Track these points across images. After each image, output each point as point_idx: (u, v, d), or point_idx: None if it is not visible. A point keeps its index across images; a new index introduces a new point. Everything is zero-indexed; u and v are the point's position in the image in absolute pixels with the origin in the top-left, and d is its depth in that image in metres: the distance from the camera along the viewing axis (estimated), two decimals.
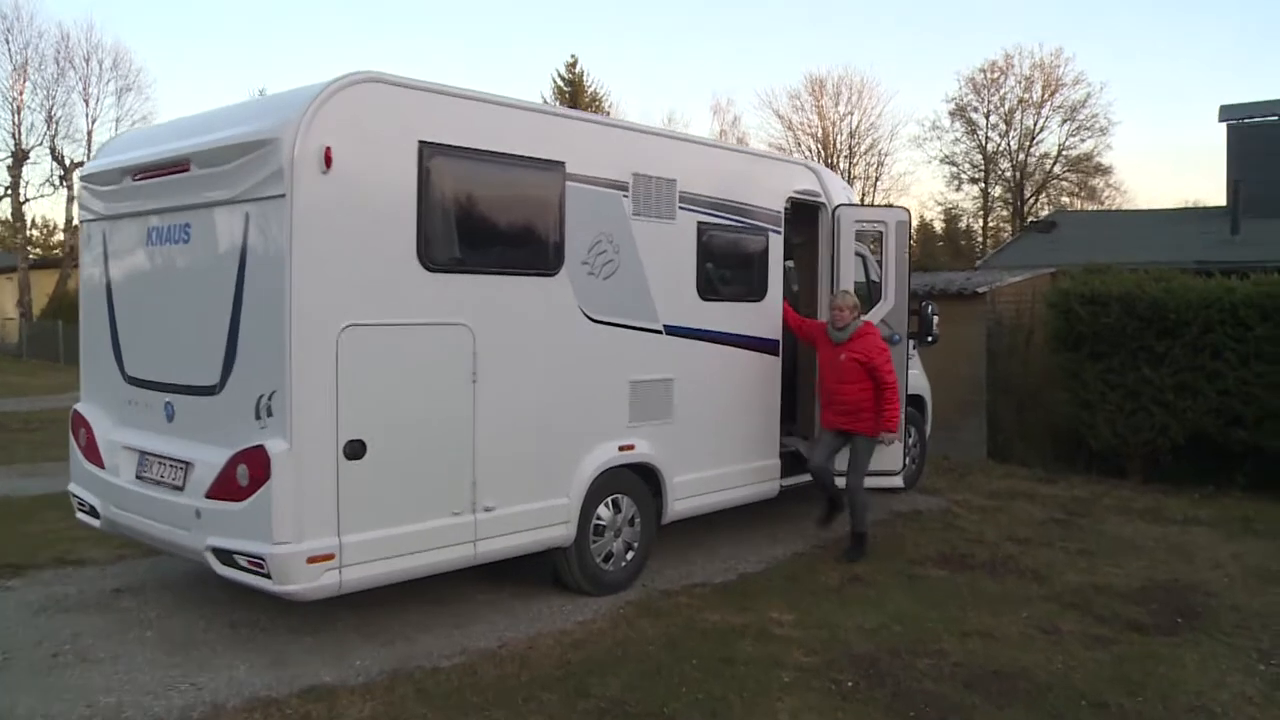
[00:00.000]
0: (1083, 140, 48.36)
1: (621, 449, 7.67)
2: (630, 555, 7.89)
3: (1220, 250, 16.89)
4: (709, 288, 8.37)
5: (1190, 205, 20.60)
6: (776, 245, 9.03)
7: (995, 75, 49.31)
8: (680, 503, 8.21)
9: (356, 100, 6.08)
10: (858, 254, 9.89)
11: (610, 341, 7.54)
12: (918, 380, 11.30)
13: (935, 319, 10.62)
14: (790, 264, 10.32)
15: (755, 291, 8.90)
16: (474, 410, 6.66)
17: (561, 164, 7.13)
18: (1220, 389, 12.21)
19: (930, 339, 10.67)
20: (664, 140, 8.06)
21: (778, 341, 9.09)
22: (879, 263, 10.00)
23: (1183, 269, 13.62)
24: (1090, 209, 36.27)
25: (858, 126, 49.98)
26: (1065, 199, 47.83)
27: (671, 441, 8.06)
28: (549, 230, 7.10)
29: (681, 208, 8.07)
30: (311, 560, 5.93)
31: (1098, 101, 49.56)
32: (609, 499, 7.67)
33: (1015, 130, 49.21)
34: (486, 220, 6.80)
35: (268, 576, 5.91)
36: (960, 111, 50.19)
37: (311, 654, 6.39)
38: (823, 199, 9.58)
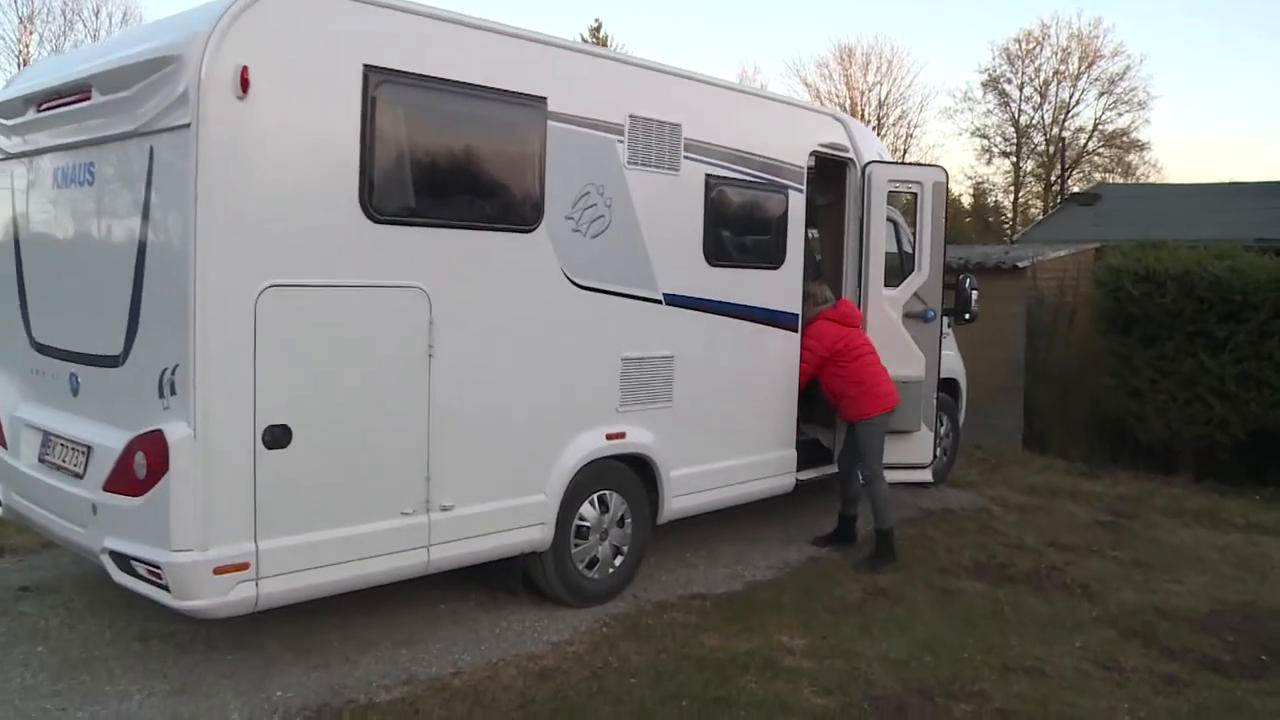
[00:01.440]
0: (1120, 115, 46.86)
1: (610, 438, 6.56)
2: (619, 561, 6.80)
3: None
4: (718, 251, 7.23)
5: (1241, 181, 19.16)
6: (798, 205, 7.86)
7: (1031, 46, 47.76)
8: (679, 500, 7.10)
9: (283, 10, 4.96)
10: (889, 219, 8.72)
11: (598, 311, 6.42)
12: (952, 363, 10.12)
13: (974, 294, 9.43)
14: (814, 232, 9.20)
15: (772, 257, 7.74)
16: (429, 390, 5.57)
17: (543, 100, 5.99)
18: None
19: (968, 316, 9.49)
20: (667, 78, 6.89)
21: (797, 315, 7.94)
22: (912, 230, 8.83)
23: (1243, 247, 12.38)
24: (1134, 183, 34.82)
25: (887, 96, 48.44)
26: (1100, 175, 46.32)
27: (670, 429, 6.95)
28: (526, 178, 5.98)
29: (686, 157, 6.92)
30: (220, 570, 4.86)
31: (1137, 74, 47.89)
32: (594, 496, 6.58)
33: (1050, 103, 47.69)
34: (448, 163, 5.67)
35: (166, 588, 4.86)
36: (993, 83, 48.66)
37: (226, 678, 5.34)
38: (851, 155, 8.40)
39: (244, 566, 4.92)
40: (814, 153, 8.05)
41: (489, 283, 5.83)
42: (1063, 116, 47.43)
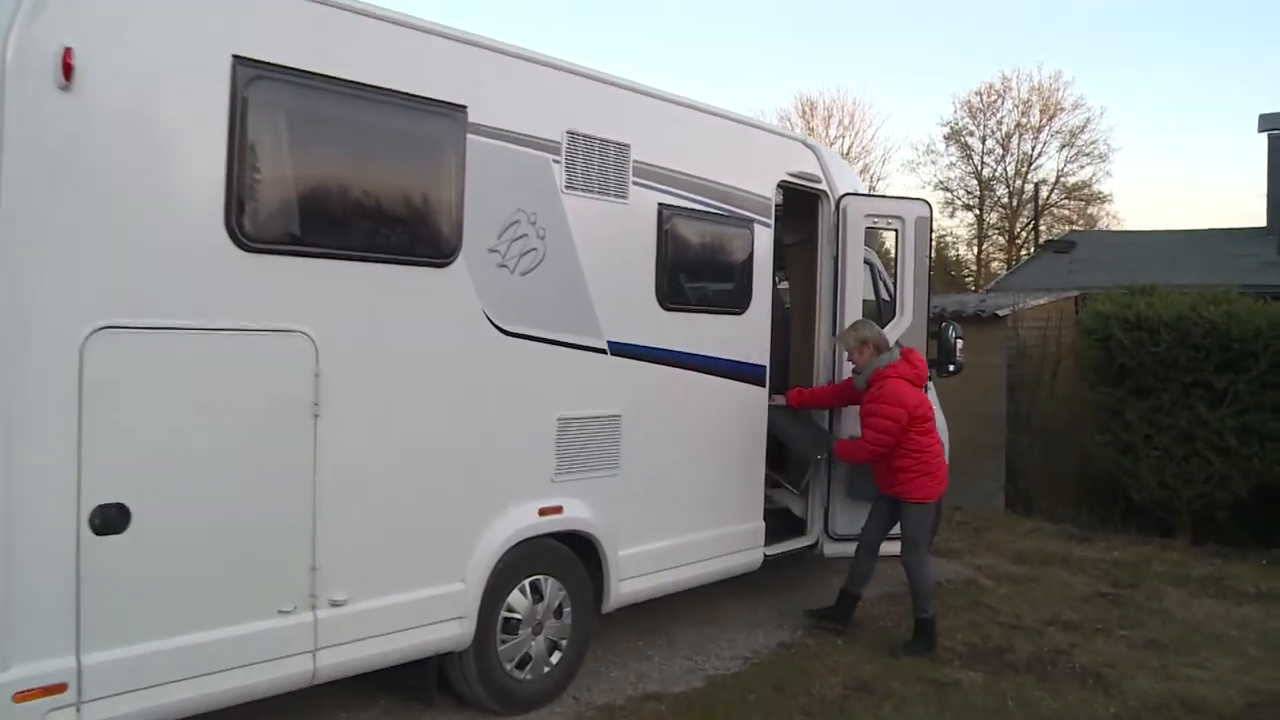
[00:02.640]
0: (1081, 167, 46.66)
1: (544, 513, 5.51)
2: (556, 658, 5.73)
3: (1267, 273, 14.88)
4: (674, 294, 6.25)
5: (1218, 227, 18.48)
6: (764, 241, 6.90)
7: (992, 98, 47.45)
8: (629, 584, 6.05)
9: None
10: (865, 261, 7.79)
11: (529, 362, 5.41)
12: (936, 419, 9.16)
13: (959, 343, 8.48)
14: (781, 278, 8.26)
15: (736, 301, 6.77)
16: (315, 459, 4.51)
17: (462, 109, 5.01)
18: None
19: (952, 368, 8.51)
20: (613, 90, 5.92)
21: (764, 368, 6.95)
22: (892, 272, 7.90)
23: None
24: (1109, 229, 34.38)
25: (849, 150, 47.96)
26: (1063, 227, 46.02)
27: (617, 501, 5.91)
28: (440, 201, 4.98)
29: (636, 183, 5.95)
30: (23, 696, 3.76)
31: (1097, 127, 47.80)
32: (526, 582, 5.52)
33: (1012, 155, 47.40)
34: (342, 180, 4.65)
35: None
36: (955, 135, 48.26)
37: None
38: (824, 186, 7.46)
39: (60, 689, 3.83)
40: (782, 183, 7.12)
41: (393, 327, 4.80)
42: (1025, 169, 47.17)
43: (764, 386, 6.96)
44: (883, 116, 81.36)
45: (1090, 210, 47.59)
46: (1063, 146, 46.91)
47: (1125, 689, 6.39)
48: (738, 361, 6.72)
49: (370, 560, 4.75)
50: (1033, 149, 47.34)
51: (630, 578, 6.03)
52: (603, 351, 5.77)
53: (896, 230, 7.66)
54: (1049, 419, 12.46)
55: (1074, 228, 45.77)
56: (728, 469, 6.75)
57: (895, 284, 7.74)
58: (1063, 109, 46.61)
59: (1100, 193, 47.70)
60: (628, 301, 5.95)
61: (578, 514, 5.68)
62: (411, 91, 4.81)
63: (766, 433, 7.06)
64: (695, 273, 6.48)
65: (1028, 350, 12.47)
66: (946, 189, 49.12)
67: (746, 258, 6.77)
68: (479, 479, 5.20)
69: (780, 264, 8.09)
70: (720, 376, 6.59)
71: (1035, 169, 47.54)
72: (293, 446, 4.45)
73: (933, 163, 65.78)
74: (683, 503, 6.40)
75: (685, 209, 6.27)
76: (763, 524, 7.08)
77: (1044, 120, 47.00)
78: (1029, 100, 47.11)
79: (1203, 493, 10.64)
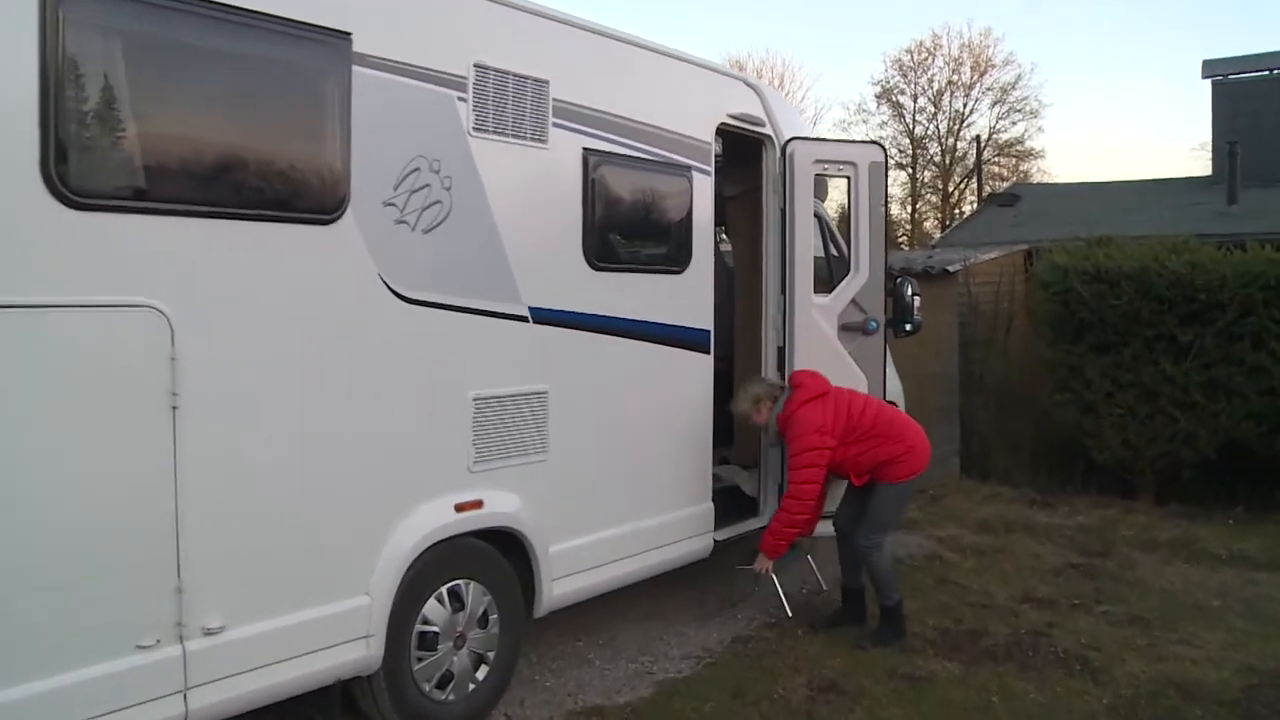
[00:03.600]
0: (1013, 124, 46.51)
1: (461, 508, 4.75)
2: (483, 673, 4.99)
3: (1219, 222, 14.43)
4: (603, 251, 5.50)
5: (1164, 178, 18.07)
6: (704, 191, 6.16)
7: (923, 56, 47.07)
8: (564, 583, 5.32)
9: None
10: (814, 214, 7.08)
11: (436, 334, 4.64)
12: (891, 383, 8.49)
13: (916, 300, 7.79)
14: (724, 235, 7.55)
15: (674, 259, 6.04)
16: (175, 460, 3.72)
17: (345, 37, 4.21)
18: (1264, 387, 9.69)
19: (909, 327, 7.82)
20: (529, 18, 5.10)
21: (707, 333, 6.23)
22: (846, 225, 7.19)
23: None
24: (1054, 181, 34.04)
25: None
26: (998, 184, 45.89)
27: (547, 490, 5.18)
28: (320, 146, 4.18)
29: (558, 125, 5.18)
30: None
31: (1028, 83, 47.69)
32: (444, 589, 4.76)
33: (944, 113, 47.12)
34: (195, 120, 3.82)
35: None
36: (887, 94, 47.86)
37: None
38: (768, 129, 6.73)
39: None
40: (723, 127, 6.38)
41: (268, 298, 4.01)
42: (957, 127, 46.93)
43: (708, 353, 6.24)
44: (814, 77, 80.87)
45: (1023, 167, 47.51)
46: (994, 103, 46.78)
47: (1115, 674, 5.81)
48: (678, 326, 5.99)
49: (250, 577, 3.97)
50: (964, 106, 47.15)
51: (565, 576, 5.31)
52: (523, 319, 5.01)
53: (849, 178, 6.96)
54: (1003, 378, 11.90)
55: (1004, 185, 45.67)
56: (671, 447, 6.04)
57: (850, 237, 7.05)
58: (993, 65, 46.44)
59: (1033, 149, 47.67)
60: (551, 261, 5.19)
61: (501, 507, 4.93)
62: (282, 14, 3.99)
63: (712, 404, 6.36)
64: (627, 227, 5.74)
65: (980, 307, 11.87)
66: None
67: (685, 210, 6.03)
68: (381, 474, 4.43)
69: (722, 219, 7.37)
70: (659, 344, 5.86)
71: (967, 126, 47.41)
72: (146, 446, 3.64)
73: (864, 122, 65.06)
74: (622, 488, 5.68)
75: (614, 155, 5.51)
76: (712, 506, 6.38)
77: (975, 77, 46.78)
78: (960, 57, 46.83)
79: (1167, 451, 10.16)
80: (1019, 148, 46.90)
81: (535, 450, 5.11)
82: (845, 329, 6.94)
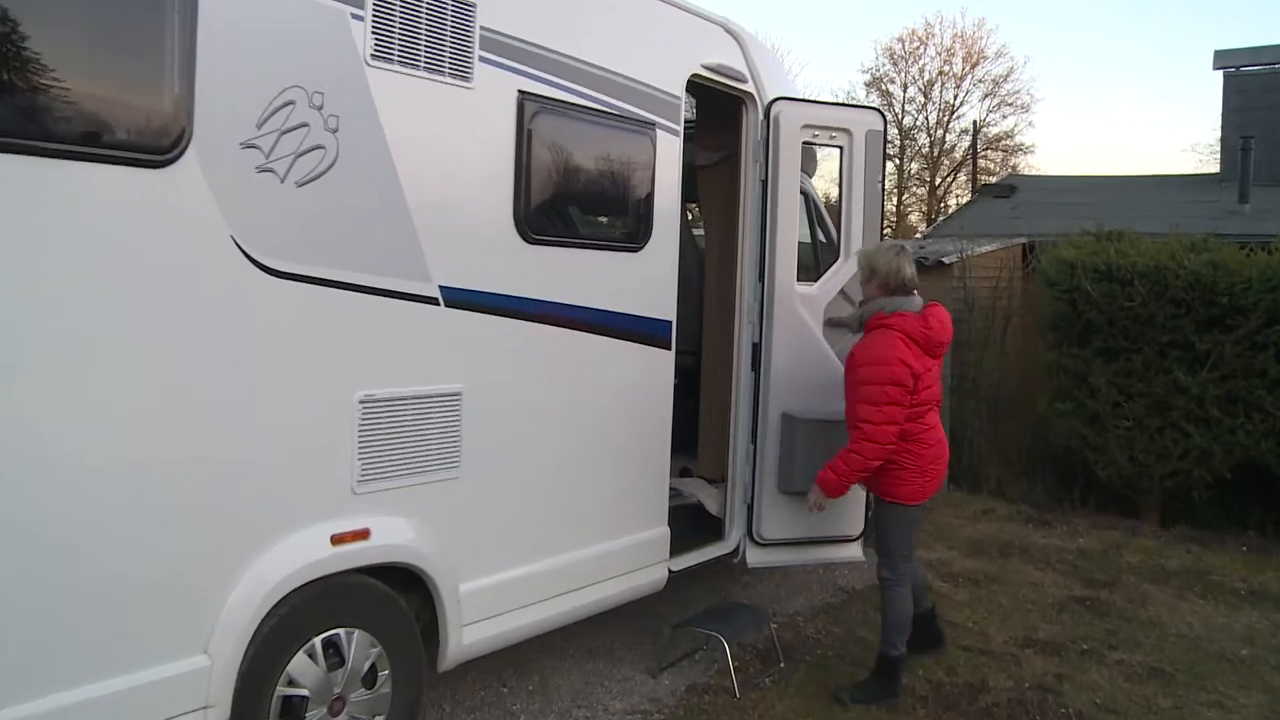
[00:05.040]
0: (1004, 117, 45.79)
1: (341, 540, 3.73)
2: None
3: (1231, 222, 13.50)
4: (541, 220, 4.48)
5: (1163, 174, 17.18)
6: (670, 153, 5.14)
7: (914, 45, 46.27)
8: (478, 629, 4.31)
9: None
10: (801, 191, 6.08)
11: (311, 316, 3.61)
12: None
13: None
14: (695, 212, 6.52)
15: (631, 233, 5.02)
16: None
17: None
18: None
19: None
20: None
21: (668, 324, 5.22)
22: (839, 201, 6.19)
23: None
24: (1051, 174, 33.07)
25: None
26: (987, 178, 45.15)
27: (457, 516, 4.16)
28: (150, 60, 3.13)
29: (486, 59, 4.14)
30: None
31: (1020, 77, 46.98)
32: (316, 640, 3.73)
33: (934, 104, 46.26)
34: None
35: None
36: (876, 83, 46.96)
37: None
38: (749, 86, 5.70)
39: None
40: (695, 80, 5.35)
41: (72, 262, 2.97)
42: (947, 118, 46.16)
43: (669, 349, 5.23)
44: (802, 64, 79.73)
45: (1013, 161, 46.80)
46: (985, 96, 46.11)
47: None
48: (633, 315, 4.97)
49: (38, 636, 2.95)
50: (955, 98, 46.45)
51: (479, 620, 4.29)
52: (432, 301, 3.99)
53: (842, 148, 5.96)
54: (999, 382, 10.94)
55: (993, 179, 44.91)
56: (620, 461, 5.02)
57: (840, 217, 6.05)
58: (985, 57, 45.75)
59: (1023, 144, 46.96)
60: (472, 231, 4.16)
61: (395, 538, 3.91)
62: None
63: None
64: (573, 192, 4.72)
65: (976, 303, 10.90)
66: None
67: (646, 175, 5.00)
68: (226, 498, 3.40)
69: (692, 192, 6.36)
70: (609, 336, 4.83)
71: (957, 118, 46.75)
72: None
73: None
74: (556, 511, 4.67)
75: (558, 102, 4.48)
76: (667, 530, 5.38)
77: (966, 68, 46.07)
78: (952, 48, 46.13)
79: (1178, 470, 9.20)
80: (1008, 142, 46.25)
81: (443, 465, 4.08)
82: (831, 324, 5.96)
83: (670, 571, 5.41)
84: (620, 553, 5.02)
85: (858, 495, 5.97)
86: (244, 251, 3.35)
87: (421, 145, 3.91)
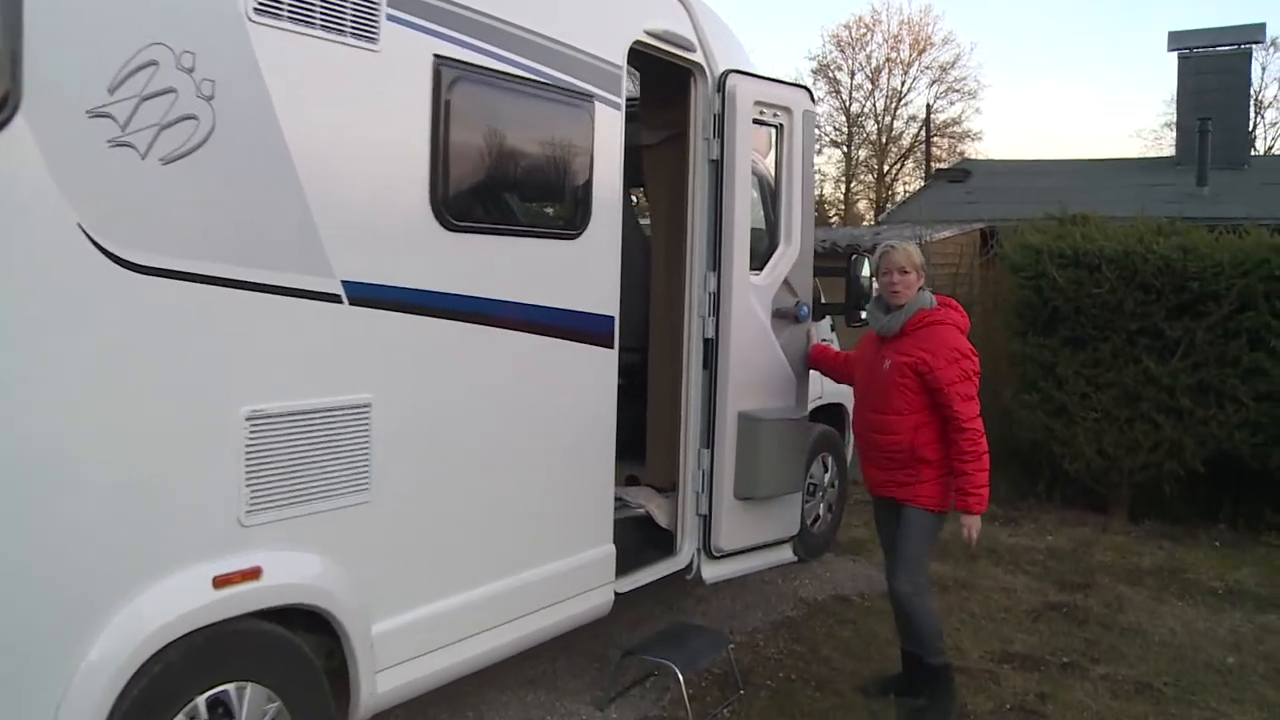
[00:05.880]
0: (951, 103, 45.79)
1: (224, 581, 3.16)
2: None
3: (1189, 205, 13.21)
4: (462, 204, 3.93)
5: (1120, 157, 16.93)
6: (610, 128, 4.59)
7: (861, 32, 46.11)
8: (395, 673, 3.75)
9: None
10: (753, 172, 5.59)
11: (182, 317, 3.04)
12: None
13: (875, 283, 6.30)
14: (640, 196, 6.01)
15: (567, 219, 4.49)
16: None
17: None
18: (1261, 391, 8.40)
19: (864, 314, 6.34)
20: None
21: (611, 319, 4.69)
22: (777, 183, 5.71)
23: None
24: (1006, 158, 32.74)
25: None
26: (935, 165, 45.14)
27: (368, 547, 3.61)
28: None
29: (396, 18, 3.58)
30: None
31: (967, 63, 47.08)
32: (199, 700, 3.15)
33: (881, 91, 46.13)
34: None
35: None
36: (823, 70, 46.78)
37: None
38: (698, 56, 5.18)
39: None
40: (639, 48, 4.82)
41: None
42: (894, 105, 46.08)
43: (611, 347, 4.70)
44: (749, 49, 79.37)
45: (961, 148, 46.84)
46: (932, 82, 46.12)
47: None
48: (570, 311, 4.42)
49: None
50: (902, 85, 46.43)
51: (396, 665, 3.74)
52: (333, 299, 3.43)
53: (781, 126, 5.50)
54: None
55: (940, 166, 44.88)
56: (557, 475, 4.48)
57: (779, 201, 5.59)
58: (933, 44, 45.77)
59: (971, 130, 47.07)
60: (381, 216, 3.60)
61: (293, 576, 3.36)
62: None
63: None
64: (500, 172, 4.16)
65: (938, 292, 10.46)
66: (815, 125, 47.73)
67: (583, 153, 4.45)
68: (79, 537, 2.83)
69: (637, 174, 5.84)
70: (543, 334, 4.29)
71: (905, 105, 46.80)
72: None
73: None
74: (483, 536, 4.12)
75: (482, 69, 3.92)
76: (613, 548, 4.85)
77: (914, 55, 46.03)
78: (899, 35, 46.07)
79: (1148, 463, 8.85)
80: (956, 128, 46.30)
81: (350, 489, 3.53)
82: (778, 316, 5.49)
83: (617, 594, 4.88)
84: (560, 577, 4.48)
85: (793, 496, 5.61)
86: (95, 242, 2.78)
87: (318, 117, 3.35)
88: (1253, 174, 15.68)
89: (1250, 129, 15.42)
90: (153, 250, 2.91)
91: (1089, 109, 59.50)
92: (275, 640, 3.37)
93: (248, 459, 3.20)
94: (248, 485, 3.21)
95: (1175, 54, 15.91)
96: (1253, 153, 16.90)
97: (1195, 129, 14.39)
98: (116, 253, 2.83)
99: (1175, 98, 16.19)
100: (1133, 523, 9.08)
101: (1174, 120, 16.81)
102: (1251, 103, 16.64)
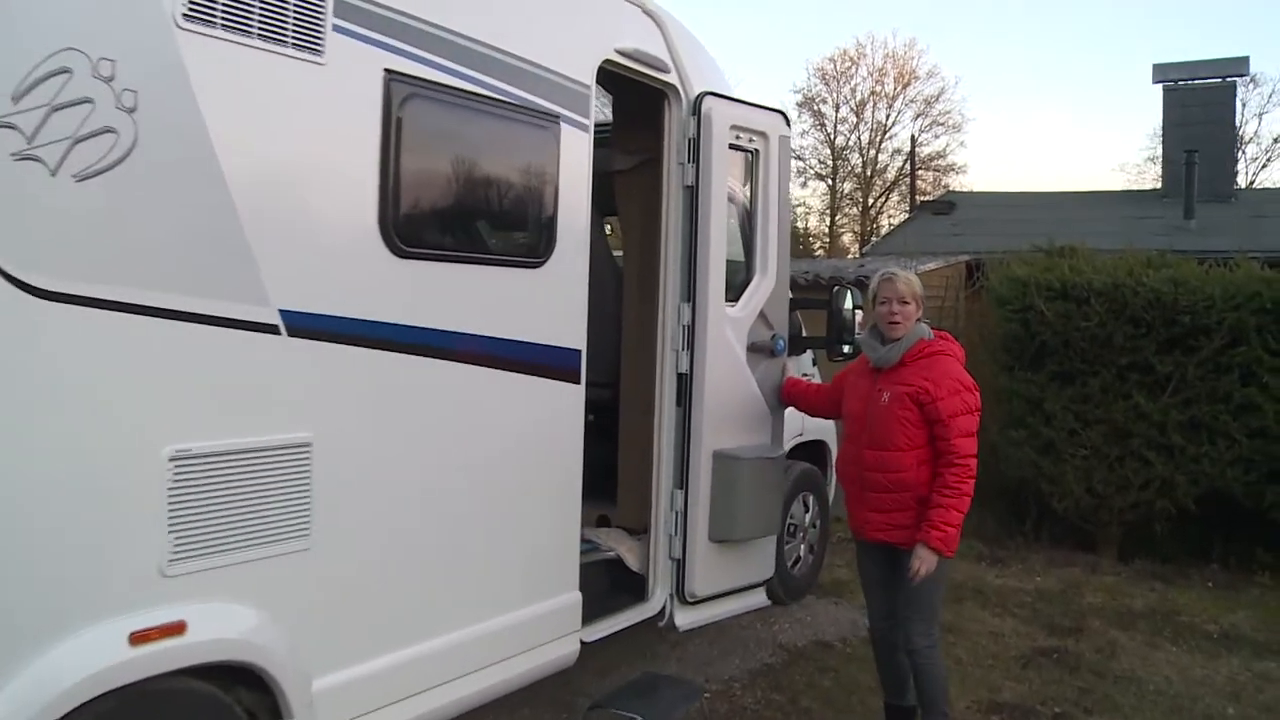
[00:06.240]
0: (936, 137, 46.00)
1: (143, 638, 2.87)
2: None
3: (1178, 238, 13.09)
4: (415, 230, 3.69)
5: (1106, 190, 16.85)
6: (577, 151, 4.35)
7: (846, 65, 46.33)
8: None
9: None
10: (729, 199, 5.37)
11: (100, 349, 2.78)
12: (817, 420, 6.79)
13: (858, 316, 6.07)
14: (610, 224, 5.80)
15: (530, 245, 4.24)
16: None
17: None
18: (1254, 428, 8.22)
19: (847, 349, 6.10)
20: None
21: (578, 353, 4.44)
22: (752, 211, 5.50)
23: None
24: (991, 190, 32.74)
25: None
26: (920, 198, 45.25)
27: (307, 597, 3.33)
28: None
29: (343, 30, 3.34)
30: None
31: (951, 97, 47.30)
32: None
33: (866, 124, 46.29)
34: None
35: None
36: (809, 103, 46.96)
37: None
38: (672, 76, 4.96)
39: None
40: (608, 67, 4.59)
41: None
42: (879, 138, 46.25)
43: (578, 383, 4.44)
44: (735, 82, 79.62)
45: (945, 181, 47.03)
46: (917, 116, 46.32)
47: None
48: (534, 344, 4.17)
49: None
50: (887, 118, 46.61)
51: None
52: (270, 329, 3.16)
53: (756, 151, 5.30)
54: None
55: (924, 199, 44.99)
56: (518, 519, 4.20)
57: (754, 230, 5.39)
58: (917, 77, 46.02)
59: (955, 163, 47.22)
60: (324, 240, 3.35)
61: (222, 630, 3.08)
62: None
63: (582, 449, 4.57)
64: (456, 195, 3.91)
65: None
66: (799, 158, 47.72)
67: (548, 176, 4.21)
68: None
69: (608, 202, 5.62)
70: (503, 369, 4.03)
71: (890, 138, 46.98)
72: None
73: None
74: (437, 584, 3.84)
75: (437, 85, 3.69)
76: (579, 595, 4.57)
77: (898, 89, 46.26)
78: (883, 68, 46.31)
79: (1139, 501, 8.64)
80: (941, 161, 46.47)
81: (288, 535, 3.25)
82: (753, 349, 5.27)
83: (583, 643, 4.61)
84: (521, 627, 4.20)
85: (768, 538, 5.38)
86: None
87: (255, 132, 3.10)
88: (1240, 207, 15.62)
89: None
90: (62, 275, 2.66)
91: (1072, 143, 59.79)
92: (204, 700, 3.08)
93: (170, 503, 2.93)
94: (171, 531, 2.93)
95: (1160, 86, 15.88)
96: (1235, 186, 16.80)
97: (1181, 161, 14.29)
98: (19, 276, 2.57)
99: (1160, 130, 16.13)
100: (1122, 562, 8.86)
101: (1158, 155, 16.84)
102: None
